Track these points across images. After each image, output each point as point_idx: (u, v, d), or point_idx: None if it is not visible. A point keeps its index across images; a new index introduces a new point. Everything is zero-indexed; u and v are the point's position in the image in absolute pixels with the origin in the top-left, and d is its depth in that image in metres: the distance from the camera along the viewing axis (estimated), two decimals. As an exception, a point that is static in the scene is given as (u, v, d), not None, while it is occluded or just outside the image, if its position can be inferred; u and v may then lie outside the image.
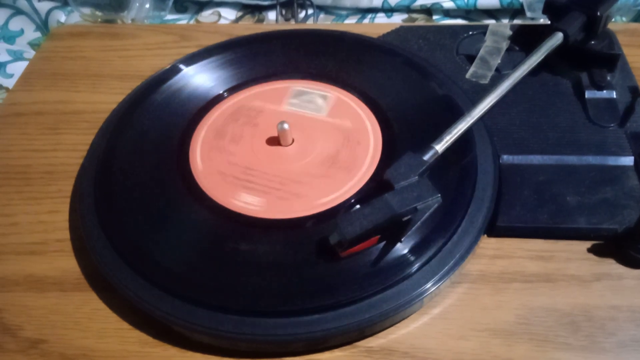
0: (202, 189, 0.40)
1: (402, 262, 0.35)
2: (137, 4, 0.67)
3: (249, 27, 0.63)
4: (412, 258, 0.35)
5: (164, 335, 0.35)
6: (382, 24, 0.64)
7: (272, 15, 0.70)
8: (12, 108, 0.51)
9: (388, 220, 0.34)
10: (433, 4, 0.66)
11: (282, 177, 0.40)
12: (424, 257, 0.35)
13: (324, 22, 0.69)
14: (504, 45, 0.50)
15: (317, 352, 0.34)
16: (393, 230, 0.35)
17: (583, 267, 0.37)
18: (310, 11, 0.69)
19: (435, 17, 0.68)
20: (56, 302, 0.37)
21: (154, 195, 0.40)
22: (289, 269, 0.35)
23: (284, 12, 0.70)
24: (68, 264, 0.39)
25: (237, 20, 0.70)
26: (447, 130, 0.39)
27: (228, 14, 0.70)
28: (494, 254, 0.38)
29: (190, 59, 0.49)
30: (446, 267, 0.35)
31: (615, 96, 0.45)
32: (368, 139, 0.42)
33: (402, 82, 0.46)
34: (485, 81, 0.47)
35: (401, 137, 0.43)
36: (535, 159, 0.41)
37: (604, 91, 0.45)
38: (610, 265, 0.37)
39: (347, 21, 0.69)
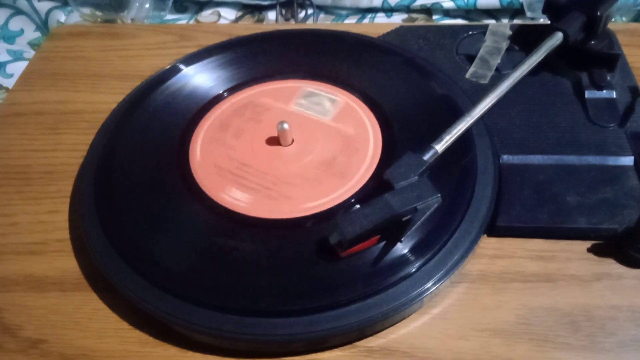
0: (195, 179, 0.41)
1: (402, 262, 0.35)
2: (137, 4, 0.67)
3: (248, 27, 0.63)
4: (412, 258, 0.35)
5: (164, 335, 0.35)
6: (382, 24, 0.64)
7: (272, 15, 0.70)
8: (12, 108, 0.51)
9: (388, 220, 0.34)
10: (433, 4, 0.66)
11: (275, 176, 0.41)
12: (423, 257, 0.35)
13: (324, 22, 0.69)
14: (504, 45, 0.50)
15: (317, 351, 0.34)
16: (393, 230, 0.35)
17: (583, 267, 0.37)
18: (310, 11, 0.69)
19: (435, 17, 0.68)
20: (56, 302, 0.37)
21: (154, 195, 0.40)
22: (289, 269, 0.35)
23: (283, 12, 0.70)
24: (68, 264, 0.39)
25: (237, 20, 0.70)
26: (447, 130, 0.39)
27: (228, 14, 0.70)
28: (494, 254, 0.38)
29: (190, 59, 0.49)
30: (446, 267, 0.35)
31: (615, 96, 0.45)
32: (367, 147, 0.42)
33: (402, 81, 0.46)
34: (485, 81, 0.47)
35: (401, 136, 0.43)
36: (535, 159, 0.41)
37: (604, 91, 0.45)
38: (611, 265, 0.37)
39: (347, 21, 0.69)
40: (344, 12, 0.70)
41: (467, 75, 0.48)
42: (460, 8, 0.66)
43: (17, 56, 0.66)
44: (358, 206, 0.38)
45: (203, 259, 0.36)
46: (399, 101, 0.45)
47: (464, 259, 0.35)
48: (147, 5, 0.68)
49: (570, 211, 0.38)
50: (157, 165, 0.42)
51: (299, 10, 0.69)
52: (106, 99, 0.50)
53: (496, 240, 0.39)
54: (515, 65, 0.44)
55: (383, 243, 0.36)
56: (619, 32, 0.51)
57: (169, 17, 0.71)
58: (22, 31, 0.70)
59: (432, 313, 0.35)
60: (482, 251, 0.38)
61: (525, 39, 0.50)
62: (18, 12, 0.70)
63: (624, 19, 0.64)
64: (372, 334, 0.34)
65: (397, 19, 0.68)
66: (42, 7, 0.69)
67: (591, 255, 0.37)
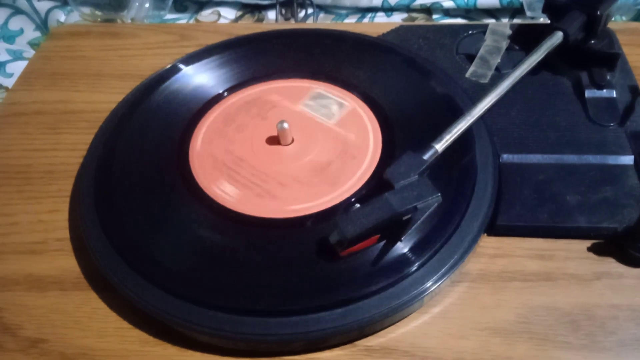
0: (190, 168, 0.41)
1: (402, 261, 0.35)
2: (137, 4, 0.67)
3: (248, 26, 0.63)
4: (412, 257, 0.35)
5: (164, 335, 0.35)
6: (381, 23, 0.64)
7: (271, 14, 0.70)
8: (12, 107, 0.51)
9: (388, 219, 0.34)
10: (433, 3, 0.66)
11: (268, 174, 0.41)
12: (424, 256, 0.35)
13: (324, 22, 0.69)
14: (504, 44, 0.50)
15: (317, 351, 0.34)
16: (393, 229, 0.35)
17: (583, 266, 0.37)
18: (310, 10, 0.69)
19: (435, 16, 0.68)
20: (56, 301, 0.37)
21: (153, 195, 0.40)
22: (289, 269, 0.35)
23: (283, 11, 0.70)
24: (68, 263, 0.39)
25: (237, 19, 0.70)
26: (447, 129, 0.39)
27: (228, 14, 0.70)
28: (494, 253, 0.38)
29: (190, 59, 0.49)
30: (446, 266, 0.35)
31: (615, 95, 0.45)
32: (365, 156, 0.41)
33: (402, 81, 0.46)
34: (485, 80, 0.47)
35: (401, 136, 0.43)
36: (535, 158, 0.41)
37: (604, 90, 0.45)
38: (611, 264, 0.37)
39: (346, 20, 0.69)
40: (343, 12, 0.70)
41: (467, 75, 0.48)
42: (460, 7, 0.66)
43: (17, 56, 0.66)
44: (358, 205, 0.38)
45: (203, 258, 0.36)
46: (398, 100, 0.45)
47: (464, 258, 0.35)
48: (147, 5, 0.68)
49: (570, 210, 0.38)
50: (157, 164, 0.42)
51: (298, 9, 0.69)
52: (106, 99, 0.50)
53: (496, 239, 0.39)
54: (515, 65, 0.44)
55: (383, 242, 0.36)
56: (619, 31, 0.51)
57: (169, 16, 0.71)
58: (21, 31, 0.70)
59: (432, 312, 0.35)
60: (482, 250, 0.38)
61: (525, 39, 0.50)
62: (18, 11, 0.70)
63: (624, 18, 0.64)
64: (372, 333, 0.35)
65: (397, 18, 0.68)
66: (42, 6, 0.69)
67: (591, 255, 0.37)
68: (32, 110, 0.51)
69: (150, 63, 0.54)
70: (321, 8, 0.70)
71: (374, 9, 0.69)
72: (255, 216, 0.38)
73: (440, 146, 0.38)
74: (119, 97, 0.48)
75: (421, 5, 0.67)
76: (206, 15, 0.70)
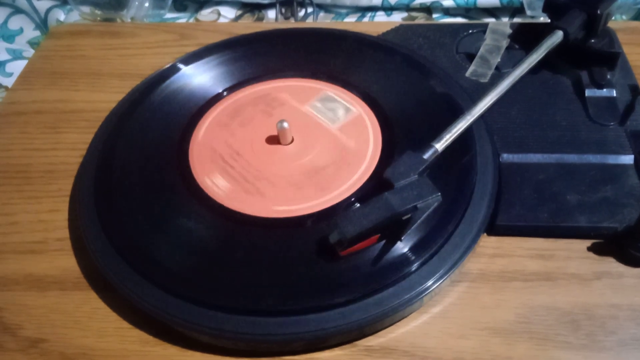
0: (188, 157, 0.41)
1: (402, 261, 0.35)
2: (137, 3, 0.67)
3: (248, 25, 0.63)
4: (412, 257, 0.35)
5: (164, 335, 0.35)
6: (381, 23, 0.64)
7: (271, 13, 0.70)
8: (11, 107, 0.51)
9: (388, 219, 0.34)
10: (433, 3, 0.66)
11: (260, 172, 0.41)
12: (423, 256, 0.35)
13: (324, 21, 0.69)
14: (504, 43, 0.50)
15: (317, 351, 0.34)
16: (393, 229, 0.35)
17: (583, 265, 0.37)
18: (309, 10, 0.69)
19: (435, 15, 0.68)
20: (56, 301, 0.37)
21: (153, 195, 0.40)
22: (289, 268, 0.35)
23: (283, 10, 0.70)
24: (68, 263, 0.39)
25: (237, 18, 0.70)
26: (447, 128, 0.38)
27: (227, 13, 0.70)
28: (493, 253, 0.38)
29: (190, 58, 0.49)
30: (446, 266, 0.35)
31: (615, 94, 0.45)
32: (360, 165, 0.41)
33: (401, 80, 0.46)
34: (485, 80, 0.47)
35: (401, 135, 0.42)
36: (535, 158, 0.41)
37: (604, 90, 0.45)
38: (611, 264, 0.37)
39: (346, 19, 0.69)
40: (343, 11, 0.69)
41: (467, 74, 0.48)
42: (460, 6, 0.66)
43: (17, 55, 0.66)
44: (358, 205, 0.38)
45: (203, 258, 0.36)
46: (398, 100, 0.45)
47: (464, 258, 0.35)
48: (146, 4, 0.68)
49: (571, 210, 0.38)
50: (157, 164, 0.42)
51: (298, 8, 0.69)
52: (106, 98, 0.50)
53: (496, 239, 0.39)
54: (515, 64, 0.44)
55: (383, 242, 0.36)
56: (619, 30, 0.51)
57: (169, 15, 0.71)
58: (21, 30, 0.70)
59: (432, 312, 0.35)
60: (482, 250, 0.38)
61: (525, 38, 0.50)
62: (17, 11, 0.70)
63: (624, 17, 0.64)
64: (372, 333, 0.34)
65: (397, 17, 0.68)
66: (42, 6, 0.69)
67: (591, 254, 0.37)
68: (32, 109, 0.51)
69: (150, 62, 0.54)
70: (321, 7, 0.70)
71: (373, 8, 0.68)
72: (238, 212, 0.38)
73: (440, 145, 0.38)
74: (119, 97, 0.48)
75: (421, 4, 0.67)
76: (206, 14, 0.70)
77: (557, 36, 0.45)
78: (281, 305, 0.33)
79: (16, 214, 0.42)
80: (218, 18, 0.70)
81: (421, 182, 0.35)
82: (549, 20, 0.48)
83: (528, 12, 0.64)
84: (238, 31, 0.55)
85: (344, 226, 0.33)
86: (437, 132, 0.38)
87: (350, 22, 0.67)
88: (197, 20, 0.70)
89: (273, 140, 0.43)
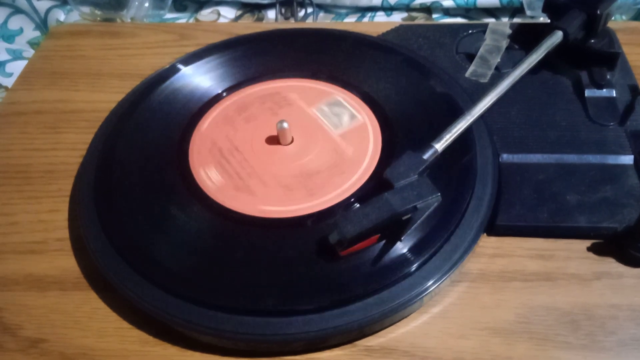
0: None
1: (402, 261, 0.35)
2: (137, 3, 0.67)
3: (248, 25, 0.63)
4: (411, 257, 0.35)
5: (164, 335, 0.35)
6: (381, 23, 0.64)
7: (271, 14, 0.70)
8: (11, 107, 0.51)
9: (388, 219, 0.34)
10: (433, 3, 0.66)
11: (255, 170, 0.41)
12: (423, 256, 0.35)
13: (324, 21, 0.69)
14: (504, 43, 0.50)
15: (317, 351, 0.34)
16: (393, 229, 0.35)
17: (583, 265, 0.37)
18: (309, 10, 0.69)
19: (434, 15, 0.68)
20: (56, 301, 0.37)
21: (153, 195, 0.40)
22: (289, 269, 0.35)
23: (283, 10, 0.70)
24: (68, 263, 0.39)
25: (237, 19, 0.70)
26: (447, 129, 0.38)
27: (227, 13, 0.70)
28: (493, 253, 0.38)
29: (190, 58, 0.49)
30: (446, 266, 0.35)
31: (615, 95, 0.45)
32: (353, 174, 0.40)
33: (401, 80, 0.46)
34: (485, 80, 0.47)
35: (401, 135, 0.42)
36: (535, 158, 0.41)
37: (604, 90, 0.45)
38: (610, 264, 0.37)
39: (346, 20, 0.69)
40: (343, 11, 0.69)
41: (467, 74, 0.48)
42: (460, 7, 0.66)
43: (17, 55, 0.66)
44: (358, 205, 0.38)
45: (203, 258, 0.36)
46: (398, 100, 0.45)
47: (464, 258, 0.35)
48: (146, 4, 0.68)
49: (570, 210, 0.38)
50: (157, 164, 0.42)
51: (298, 9, 0.69)
52: (106, 98, 0.50)
53: (496, 239, 0.39)
54: (515, 64, 0.44)
55: (383, 242, 0.36)
56: (619, 30, 0.51)
57: (169, 15, 0.71)
58: (21, 30, 0.70)
59: (432, 312, 0.35)
60: (482, 250, 0.38)
61: (525, 38, 0.50)
62: (17, 11, 0.70)
63: (624, 17, 0.64)
64: (372, 333, 0.35)
65: (397, 17, 0.68)
66: (42, 6, 0.69)
67: (591, 254, 0.37)
68: (32, 109, 0.51)
69: (150, 62, 0.54)
70: (321, 7, 0.70)
71: (373, 8, 0.68)
72: (224, 206, 0.39)
73: (440, 146, 0.38)
74: (119, 97, 0.48)
75: (421, 4, 0.67)
76: (206, 14, 0.70)
77: (557, 36, 0.45)
78: (281, 305, 0.33)
79: (16, 214, 0.42)
80: (218, 18, 0.70)
81: (421, 182, 0.35)
82: (549, 21, 0.48)
83: (528, 12, 0.64)
84: (238, 31, 0.55)
85: (344, 226, 0.33)
86: (437, 132, 0.38)
87: (350, 22, 0.67)
88: (197, 20, 0.70)
89: (273, 139, 0.43)
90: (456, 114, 0.40)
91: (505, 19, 0.66)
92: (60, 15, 0.69)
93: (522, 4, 0.64)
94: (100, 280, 0.37)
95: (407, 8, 0.68)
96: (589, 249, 0.38)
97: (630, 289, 0.36)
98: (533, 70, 0.44)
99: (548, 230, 0.38)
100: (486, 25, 0.52)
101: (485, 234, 0.39)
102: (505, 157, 0.41)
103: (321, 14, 0.70)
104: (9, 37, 0.69)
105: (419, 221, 0.34)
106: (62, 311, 0.37)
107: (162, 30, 0.58)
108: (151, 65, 0.52)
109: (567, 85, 0.46)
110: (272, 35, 0.53)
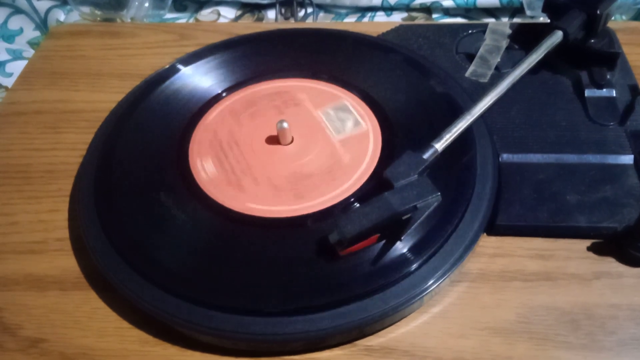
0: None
1: (402, 261, 0.35)
2: (137, 3, 0.67)
3: (248, 25, 0.63)
4: (411, 256, 0.35)
5: (164, 334, 0.35)
6: (381, 23, 0.64)
7: (271, 14, 0.70)
8: (11, 107, 0.51)
9: (388, 219, 0.34)
10: (433, 3, 0.66)
11: (250, 167, 0.41)
12: (423, 256, 0.35)
13: (324, 21, 0.69)
14: (504, 43, 0.50)
15: (317, 351, 0.34)
16: (393, 229, 0.35)
17: (583, 265, 0.37)
18: (309, 10, 0.69)
19: (434, 15, 0.68)
20: (56, 301, 0.37)
21: (153, 194, 0.40)
22: (289, 268, 0.35)
23: (283, 10, 0.70)
24: (68, 263, 0.39)
25: (237, 19, 0.70)
26: (447, 128, 0.38)
27: (227, 13, 0.70)
28: (493, 253, 0.38)
29: (190, 58, 0.49)
30: (446, 266, 0.35)
31: (615, 95, 0.45)
32: (344, 182, 0.39)
33: (401, 80, 0.46)
34: (485, 80, 0.47)
35: (401, 135, 0.42)
36: (535, 158, 0.41)
37: (604, 90, 0.45)
38: (610, 264, 0.37)
39: (346, 20, 0.69)
40: (343, 11, 0.69)
41: (467, 74, 0.48)
42: (460, 7, 0.66)
43: (17, 55, 0.66)
44: (357, 205, 0.38)
45: (203, 258, 0.36)
46: (398, 99, 0.45)
47: (464, 258, 0.35)
48: (146, 4, 0.68)
49: (570, 210, 0.38)
50: (157, 164, 0.42)
51: (298, 9, 0.69)
52: (106, 98, 0.50)
53: (496, 239, 0.39)
54: (515, 64, 0.44)
55: (383, 242, 0.36)
56: (619, 30, 0.51)
57: (169, 15, 0.71)
58: (21, 30, 0.70)
59: (432, 312, 0.35)
60: (482, 250, 0.38)
61: (525, 38, 0.50)
62: (17, 11, 0.70)
63: (623, 17, 0.64)
64: (372, 333, 0.35)
65: (397, 17, 0.68)
66: (42, 6, 0.69)
67: (591, 254, 0.37)
68: (32, 109, 0.51)
69: (150, 62, 0.54)
70: (321, 7, 0.70)
71: (373, 8, 0.68)
72: (211, 198, 0.39)
73: (440, 145, 0.38)
74: (119, 97, 0.48)
75: (421, 4, 0.67)
76: (206, 14, 0.70)
77: (557, 36, 0.45)
78: (281, 305, 0.33)
79: (16, 214, 0.42)
80: (218, 18, 0.70)
81: (421, 182, 0.35)
82: (549, 20, 0.48)
83: (528, 12, 0.64)
84: (238, 31, 0.55)
85: (344, 226, 0.33)
86: (437, 132, 0.38)
87: (350, 22, 0.67)
88: (197, 20, 0.70)
89: (274, 138, 0.43)
90: (456, 113, 0.40)
91: (505, 19, 0.66)
92: (60, 15, 0.69)
93: (522, 4, 0.64)
94: (100, 280, 0.37)
95: (407, 8, 0.68)
96: (589, 248, 0.38)
97: (630, 289, 0.36)
98: (533, 70, 0.44)
99: (548, 230, 0.38)
100: (486, 25, 0.52)
101: (485, 234, 0.39)
102: (505, 156, 0.41)
103: (321, 14, 0.70)
104: (9, 37, 0.69)
105: (419, 221, 0.34)
106: (62, 311, 0.37)
107: (162, 30, 0.58)
108: (151, 65, 0.52)
109: (567, 85, 0.46)
110: (272, 35, 0.53)
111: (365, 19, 0.68)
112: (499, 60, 0.49)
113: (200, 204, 0.39)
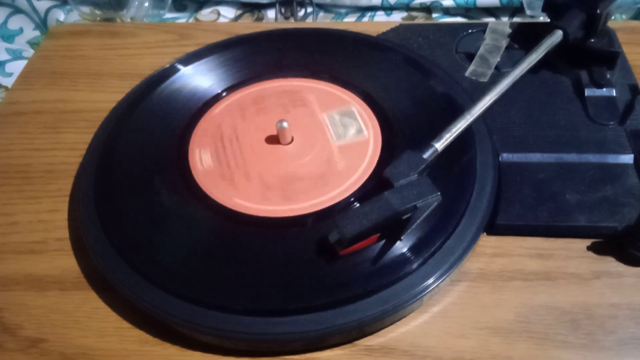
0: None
1: (402, 260, 0.35)
2: (136, 3, 0.67)
3: (248, 25, 0.63)
4: (411, 256, 0.35)
5: (164, 334, 0.35)
6: (381, 22, 0.64)
7: (271, 13, 0.70)
8: (11, 107, 0.51)
9: (388, 219, 0.34)
10: (432, 2, 0.66)
11: (245, 163, 0.41)
12: (423, 255, 0.35)
13: (324, 21, 0.69)
14: (504, 43, 0.50)
15: (317, 350, 0.34)
16: (393, 229, 0.35)
17: (583, 265, 0.37)
18: (309, 9, 0.69)
19: (434, 15, 0.68)
20: (56, 301, 0.37)
21: (154, 194, 0.40)
22: (289, 268, 0.35)
23: (283, 10, 0.70)
24: (68, 263, 0.39)
25: (237, 18, 0.70)
26: (447, 128, 0.38)
27: (227, 13, 0.70)
28: (493, 252, 0.38)
29: (190, 58, 0.49)
30: (446, 265, 0.35)
31: (615, 94, 0.45)
32: (334, 189, 0.39)
33: (401, 80, 0.46)
34: (485, 79, 0.47)
35: (400, 134, 0.42)
36: (535, 157, 0.41)
37: (604, 89, 0.45)
38: (610, 263, 0.37)
39: (346, 19, 0.69)
40: (343, 11, 0.69)
41: (467, 74, 0.48)
42: (459, 6, 0.66)
43: (17, 55, 0.66)
44: (357, 204, 0.38)
45: (203, 258, 0.36)
46: (398, 99, 0.45)
47: (464, 258, 0.35)
48: (146, 4, 0.68)
49: (570, 209, 0.38)
50: (157, 164, 0.42)
51: (298, 8, 0.69)
52: (106, 98, 0.50)
53: (496, 238, 0.39)
54: (515, 64, 0.43)
55: (383, 241, 0.36)
56: (619, 30, 0.51)
57: (168, 15, 0.71)
58: (21, 30, 0.70)
59: (431, 311, 0.35)
60: (482, 249, 0.38)
61: (525, 37, 0.50)
62: (17, 11, 0.70)
63: (623, 16, 0.64)
64: (371, 333, 0.35)
65: (397, 17, 0.68)
66: (41, 6, 0.69)
67: (591, 254, 0.37)
68: (32, 109, 0.51)
69: (150, 62, 0.54)
70: (320, 7, 0.70)
71: (373, 8, 0.68)
72: (202, 189, 0.39)
73: (440, 145, 0.38)
74: (119, 97, 0.48)
75: (421, 4, 0.67)
76: (205, 14, 0.70)
77: (557, 36, 0.45)
78: (281, 305, 0.33)
79: (16, 214, 0.42)
80: (218, 18, 0.70)
81: (421, 182, 0.35)
82: (549, 20, 0.48)
83: (528, 12, 0.64)
84: (238, 31, 0.55)
85: (344, 225, 0.33)
86: (437, 131, 0.38)
87: (350, 22, 0.67)
88: (196, 20, 0.70)
89: (274, 136, 0.43)
90: (456, 113, 0.40)
91: (505, 19, 0.66)
92: (60, 15, 0.69)
93: (522, 3, 0.64)
94: (100, 280, 0.37)
95: (407, 7, 0.68)
96: (589, 248, 0.38)
97: (630, 288, 0.36)
98: (533, 70, 0.44)
99: (548, 229, 0.38)
100: (486, 24, 0.52)
101: (485, 234, 0.39)
102: (505, 156, 0.41)
103: (321, 14, 0.70)
104: (9, 37, 0.69)
105: (418, 220, 0.34)
106: (62, 311, 0.37)
107: (162, 30, 0.58)
108: (151, 65, 0.52)
109: (567, 84, 0.46)
110: (272, 35, 0.53)
111: (365, 19, 0.68)
112: (498, 59, 0.49)
113: (189, 193, 0.39)
